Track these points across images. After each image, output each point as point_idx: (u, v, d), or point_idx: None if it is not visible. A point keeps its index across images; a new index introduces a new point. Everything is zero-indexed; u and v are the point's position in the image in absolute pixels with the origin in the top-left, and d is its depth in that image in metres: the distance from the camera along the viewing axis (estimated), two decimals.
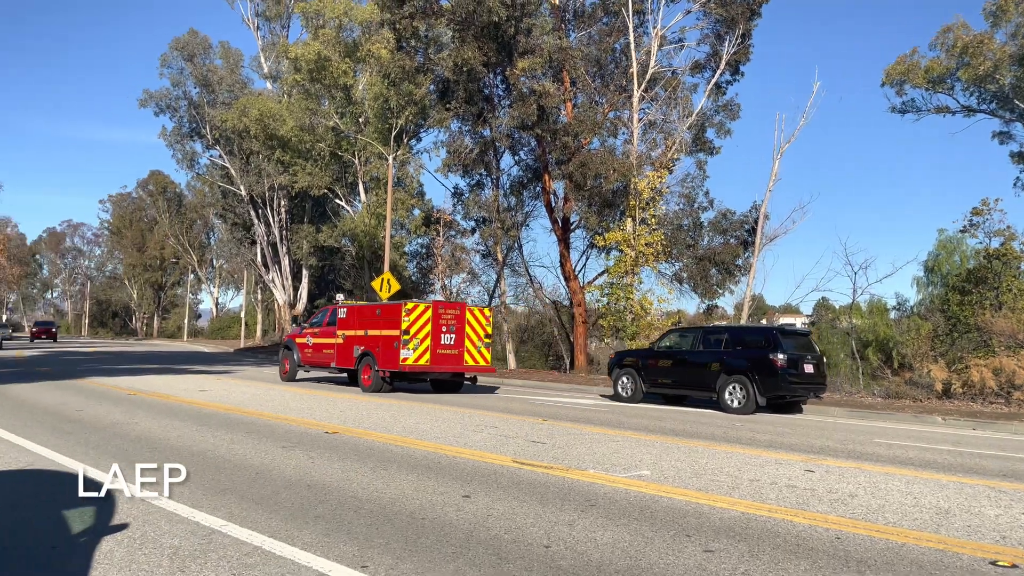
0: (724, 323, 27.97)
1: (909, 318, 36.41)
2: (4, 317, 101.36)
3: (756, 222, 30.00)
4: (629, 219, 28.12)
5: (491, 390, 21.26)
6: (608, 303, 28.31)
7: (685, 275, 31.41)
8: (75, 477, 6.07)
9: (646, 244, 27.04)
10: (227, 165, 49.55)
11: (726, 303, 36.01)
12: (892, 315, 38.16)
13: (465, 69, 29.58)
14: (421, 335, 17.97)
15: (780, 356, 15.66)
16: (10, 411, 12.20)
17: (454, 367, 18.57)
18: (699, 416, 15.16)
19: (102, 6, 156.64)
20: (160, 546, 4.87)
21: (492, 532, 5.42)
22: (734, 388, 16.03)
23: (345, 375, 20.66)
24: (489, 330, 19.28)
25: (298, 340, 21.74)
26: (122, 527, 5.29)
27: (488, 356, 19.21)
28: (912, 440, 12.35)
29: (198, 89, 51.11)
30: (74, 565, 4.48)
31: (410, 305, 18.32)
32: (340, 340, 19.93)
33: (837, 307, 44.97)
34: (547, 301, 38.24)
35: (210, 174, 53.94)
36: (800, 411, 17.19)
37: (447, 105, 32.54)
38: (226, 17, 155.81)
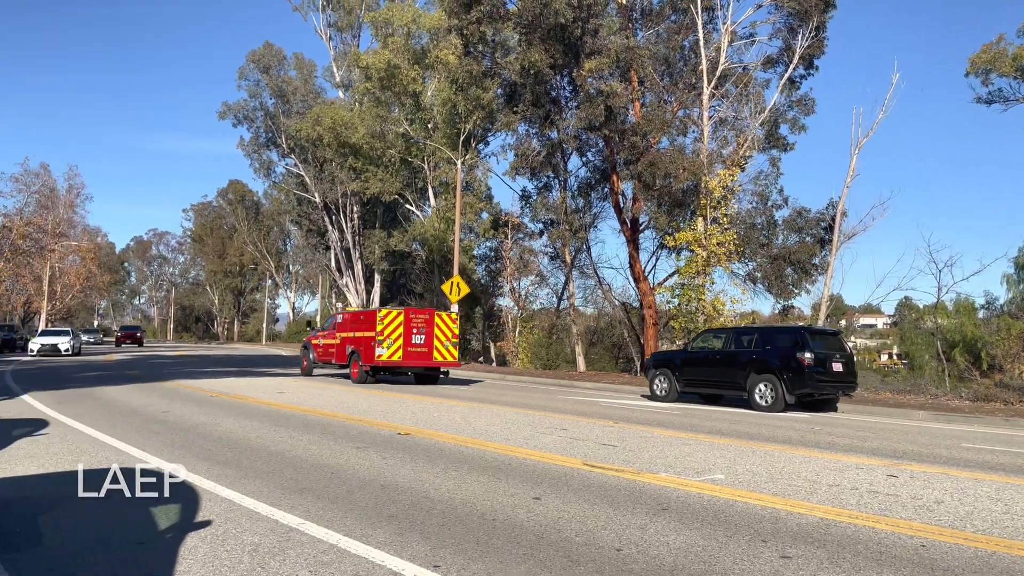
0: (797, 323, 27.27)
1: (999, 317, 34.81)
2: (95, 322, 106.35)
3: (833, 219, 29.13)
4: (700, 218, 27.65)
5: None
6: (679, 304, 27.89)
7: (759, 275, 30.73)
8: (163, 475, 6.32)
9: (718, 244, 26.53)
10: (302, 173, 50.92)
11: (802, 303, 35.07)
12: (980, 314, 36.56)
13: (532, 72, 29.65)
14: (394, 336, 21.13)
15: (807, 355, 15.90)
16: (100, 412, 12.80)
17: (424, 362, 21.66)
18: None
19: (182, 23, 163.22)
20: (241, 543, 5.04)
21: (563, 534, 5.42)
22: (764, 387, 16.30)
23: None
24: (456, 331, 22.31)
25: (313, 342, 25.34)
26: (205, 524, 5.48)
27: (456, 353, 22.22)
28: (1003, 445, 11.78)
29: (274, 100, 52.72)
30: (160, 560, 4.67)
31: (383, 312, 21.86)
32: (338, 341, 23.49)
33: (921, 306, 43.38)
34: (616, 303, 38.02)
35: (286, 182, 55.51)
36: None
37: (514, 108, 32.67)
38: (299, 29, 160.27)
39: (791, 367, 15.98)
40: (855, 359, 18.02)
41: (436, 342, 21.63)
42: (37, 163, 75.84)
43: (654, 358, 20.02)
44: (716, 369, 17.70)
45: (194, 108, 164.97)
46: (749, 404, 16.54)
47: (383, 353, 20.92)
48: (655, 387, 18.85)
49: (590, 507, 6.28)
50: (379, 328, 21.07)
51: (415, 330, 21.38)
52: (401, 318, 21.34)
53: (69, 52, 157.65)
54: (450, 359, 21.94)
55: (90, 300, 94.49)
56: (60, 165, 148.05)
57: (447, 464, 8.19)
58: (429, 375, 22.38)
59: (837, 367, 16.39)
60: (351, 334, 22.72)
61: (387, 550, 4.89)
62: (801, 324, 20.94)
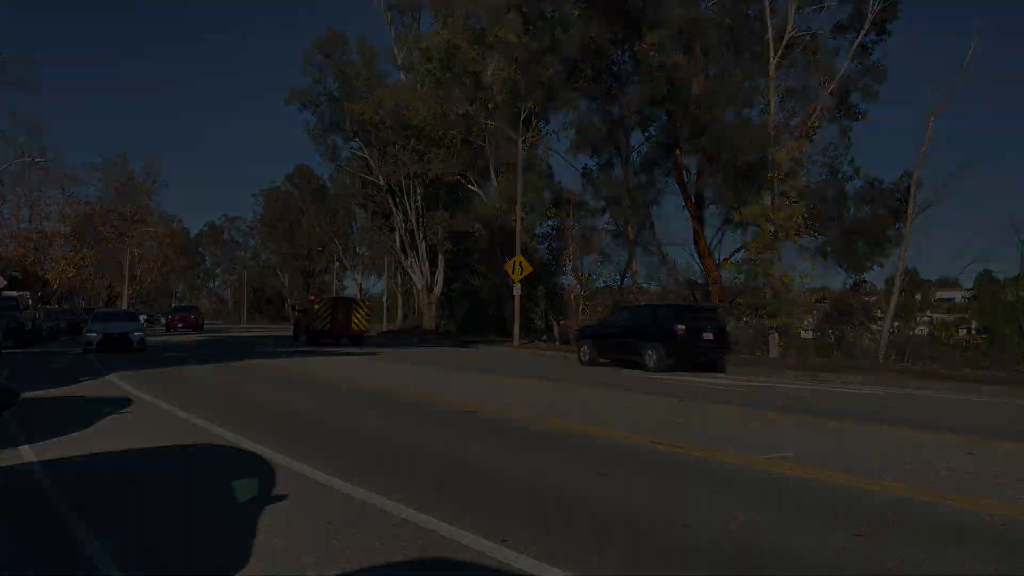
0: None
1: None
2: (173, 305, 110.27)
3: (907, 190, 28.06)
4: (767, 192, 26.99)
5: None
6: (746, 281, 27.41)
7: (830, 249, 29.91)
8: (237, 451, 6.58)
9: (786, 218, 25.88)
10: (366, 156, 51.44)
11: (876, 278, 33.99)
12: None
13: (592, 47, 29.35)
14: (324, 314, 31.46)
15: (680, 327, 19.34)
16: (180, 391, 13.30)
17: (344, 331, 31.63)
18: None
19: (251, 14, 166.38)
20: (316, 515, 5.20)
21: (630, 510, 5.43)
22: (651, 352, 19.58)
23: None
24: (367, 311, 33.27)
25: (298, 321, 35.96)
26: (282, 497, 5.67)
27: (367, 324, 33.10)
28: None
29: (337, 84, 53.26)
30: (240, 531, 4.86)
31: (317, 300, 33.80)
32: (303, 317, 34.54)
33: (1002, 279, 41.58)
34: (681, 280, 37.48)
35: (351, 165, 56.15)
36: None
37: (575, 85, 32.37)
38: (362, 13, 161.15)
39: (669, 337, 19.35)
40: (727, 330, 21.69)
41: (353, 318, 31.71)
42: (115, 153, 78.70)
43: (581, 331, 23.90)
44: (620, 339, 21.13)
45: (262, 94, 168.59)
46: (642, 366, 19.66)
47: (318, 325, 31.20)
48: (581, 354, 22.31)
49: (657, 484, 6.27)
50: (315, 309, 31.98)
51: (339, 311, 31.54)
52: (329, 303, 32.39)
53: (141, 46, 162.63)
54: (363, 328, 32.45)
55: (168, 284, 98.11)
56: (138, 154, 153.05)
57: (513, 440, 8.27)
58: (355, 338, 32.01)
59: (708, 336, 19.62)
60: (306, 313, 33.56)
61: (456, 524, 4.98)
62: (682, 303, 24.55)
